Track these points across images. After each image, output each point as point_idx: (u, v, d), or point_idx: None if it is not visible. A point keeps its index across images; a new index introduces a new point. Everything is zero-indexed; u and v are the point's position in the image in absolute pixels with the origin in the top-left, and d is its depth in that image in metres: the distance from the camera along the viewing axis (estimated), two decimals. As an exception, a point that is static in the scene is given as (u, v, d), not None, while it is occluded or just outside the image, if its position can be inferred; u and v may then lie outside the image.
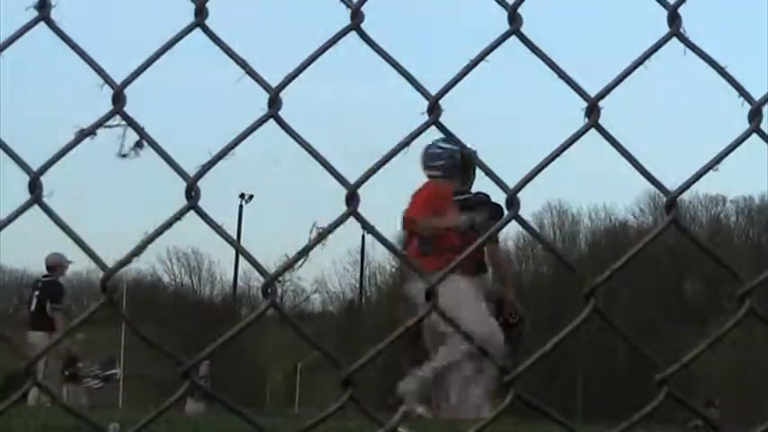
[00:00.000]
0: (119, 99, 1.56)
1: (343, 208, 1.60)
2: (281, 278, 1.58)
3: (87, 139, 1.54)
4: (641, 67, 1.69)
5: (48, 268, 14.95)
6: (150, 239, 1.55)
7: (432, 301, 1.63)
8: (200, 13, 1.59)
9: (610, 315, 1.69)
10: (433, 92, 1.64)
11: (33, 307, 14.47)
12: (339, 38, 1.62)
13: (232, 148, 1.58)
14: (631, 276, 50.26)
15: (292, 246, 1.58)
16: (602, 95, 1.68)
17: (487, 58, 1.66)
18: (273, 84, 1.60)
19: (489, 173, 1.66)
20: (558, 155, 1.65)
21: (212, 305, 65.94)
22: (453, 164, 8.40)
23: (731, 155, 1.70)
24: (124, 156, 1.56)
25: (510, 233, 57.59)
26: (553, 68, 1.67)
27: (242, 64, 1.60)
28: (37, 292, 14.56)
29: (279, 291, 1.58)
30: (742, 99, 1.73)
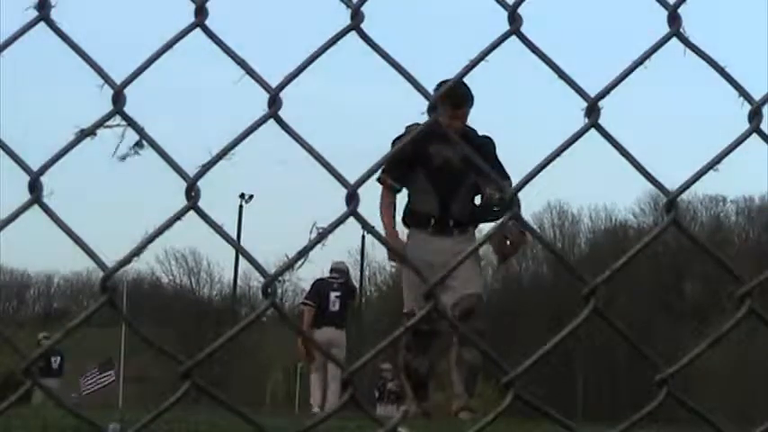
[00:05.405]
0: (119, 99, 1.56)
1: (344, 208, 1.59)
2: (281, 278, 1.58)
3: (87, 139, 1.54)
4: (641, 67, 1.68)
5: (341, 271, 15.56)
6: (150, 239, 1.55)
7: (431, 302, 1.62)
8: (200, 13, 1.59)
9: (610, 315, 1.69)
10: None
11: (337, 307, 15.14)
12: (339, 38, 1.62)
13: (232, 148, 1.57)
14: (631, 276, 50.23)
15: (292, 246, 1.58)
16: (602, 95, 1.68)
17: (487, 57, 1.66)
18: (273, 84, 1.60)
19: (489, 173, 1.66)
20: (558, 155, 1.65)
21: (212, 305, 65.96)
22: None
23: (731, 155, 1.70)
24: (123, 158, 1.56)
25: (510, 233, 57.47)
26: (553, 68, 1.67)
27: (242, 64, 1.60)
28: (338, 293, 15.18)
29: (279, 291, 1.58)
30: (742, 99, 1.73)
